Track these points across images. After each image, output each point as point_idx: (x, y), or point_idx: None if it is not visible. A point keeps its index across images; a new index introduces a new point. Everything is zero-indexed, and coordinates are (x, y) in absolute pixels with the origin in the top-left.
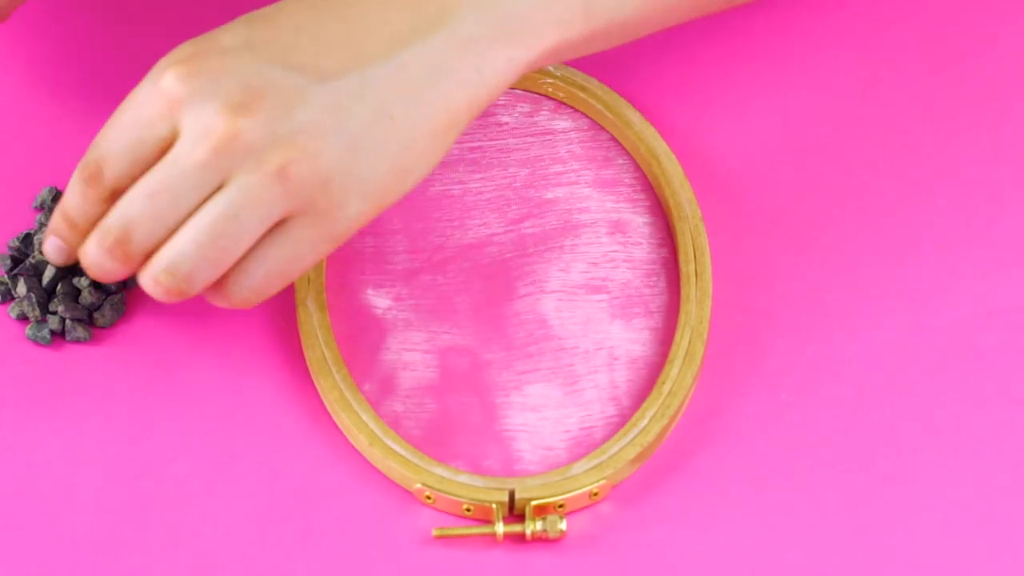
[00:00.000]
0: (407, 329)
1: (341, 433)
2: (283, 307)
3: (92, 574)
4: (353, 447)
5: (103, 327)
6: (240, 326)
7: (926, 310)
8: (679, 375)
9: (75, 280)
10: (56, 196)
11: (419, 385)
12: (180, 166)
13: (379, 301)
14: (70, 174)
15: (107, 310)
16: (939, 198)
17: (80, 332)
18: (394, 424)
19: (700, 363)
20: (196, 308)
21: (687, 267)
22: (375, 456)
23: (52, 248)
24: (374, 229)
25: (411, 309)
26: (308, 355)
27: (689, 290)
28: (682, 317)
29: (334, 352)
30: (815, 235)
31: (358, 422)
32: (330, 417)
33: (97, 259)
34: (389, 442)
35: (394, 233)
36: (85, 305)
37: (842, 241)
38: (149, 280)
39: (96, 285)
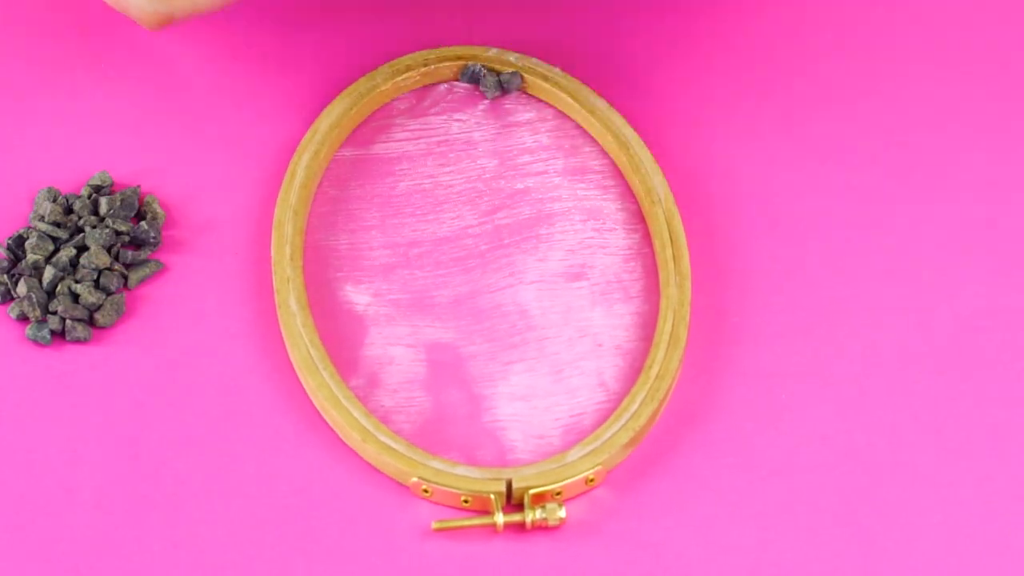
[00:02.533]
0: (389, 324)
1: (333, 431)
2: (263, 310)
3: (92, 574)
4: (346, 445)
5: (103, 327)
6: (223, 327)
7: (922, 299)
8: (665, 358)
9: (75, 281)
10: (55, 197)
11: (406, 379)
12: None
13: (358, 298)
14: (69, 174)
15: (108, 310)
16: (928, 181)
17: (80, 332)
18: (384, 419)
19: (685, 346)
20: (194, 309)
21: (664, 252)
22: (369, 452)
23: None
24: (348, 226)
25: (391, 304)
26: (293, 355)
27: (668, 274)
28: (663, 301)
29: (320, 351)
30: (792, 218)
31: (349, 419)
32: (320, 416)
33: None
34: (382, 437)
35: (368, 229)
36: (85, 305)
37: (823, 225)
38: None
39: (97, 285)
